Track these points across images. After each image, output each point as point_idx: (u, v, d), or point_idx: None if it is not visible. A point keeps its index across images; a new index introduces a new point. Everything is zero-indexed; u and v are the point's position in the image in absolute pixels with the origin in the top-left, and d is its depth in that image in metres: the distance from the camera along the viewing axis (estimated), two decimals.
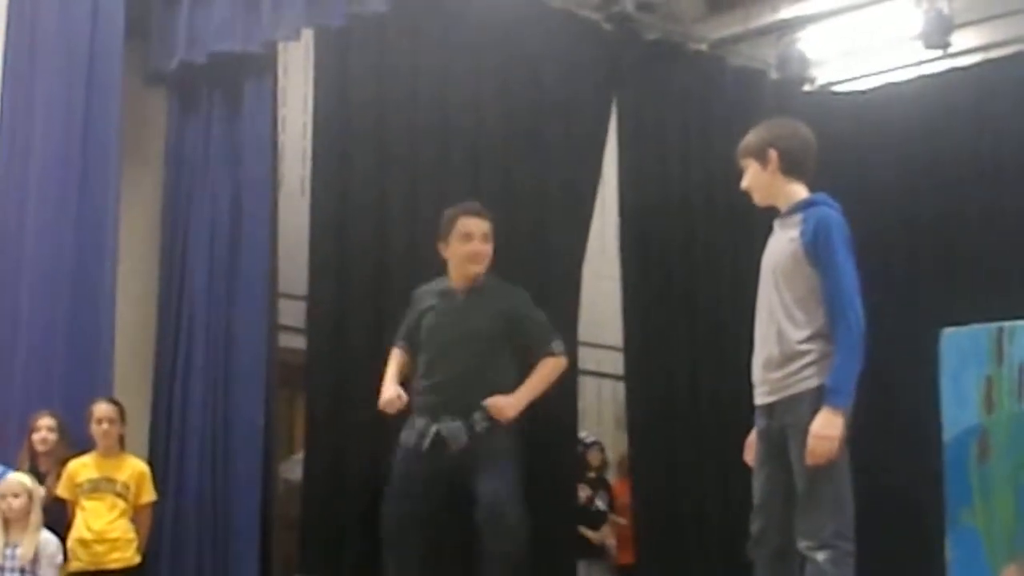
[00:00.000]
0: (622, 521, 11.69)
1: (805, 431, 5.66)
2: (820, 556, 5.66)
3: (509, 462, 7.77)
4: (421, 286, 8.24)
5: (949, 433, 6.32)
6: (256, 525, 9.04)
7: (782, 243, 5.93)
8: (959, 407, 6.29)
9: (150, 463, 8.79)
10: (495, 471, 7.65)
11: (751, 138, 6.13)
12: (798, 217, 5.89)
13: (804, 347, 5.77)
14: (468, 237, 7.77)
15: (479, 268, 7.81)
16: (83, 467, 8.29)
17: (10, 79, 9.22)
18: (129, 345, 9.20)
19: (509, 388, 7.78)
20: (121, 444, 8.48)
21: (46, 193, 8.94)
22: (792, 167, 6.00)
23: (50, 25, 9.17)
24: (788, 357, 5.80)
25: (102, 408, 8.38)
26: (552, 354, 7.89)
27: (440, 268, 9.97)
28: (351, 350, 9.56)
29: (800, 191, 5.98)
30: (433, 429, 7.66)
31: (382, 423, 9.61)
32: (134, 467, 8.46)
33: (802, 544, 5.74)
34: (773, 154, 6.00)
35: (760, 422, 6.03)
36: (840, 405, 5.65)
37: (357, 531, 9.42)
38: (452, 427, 7.64)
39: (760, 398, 5.99)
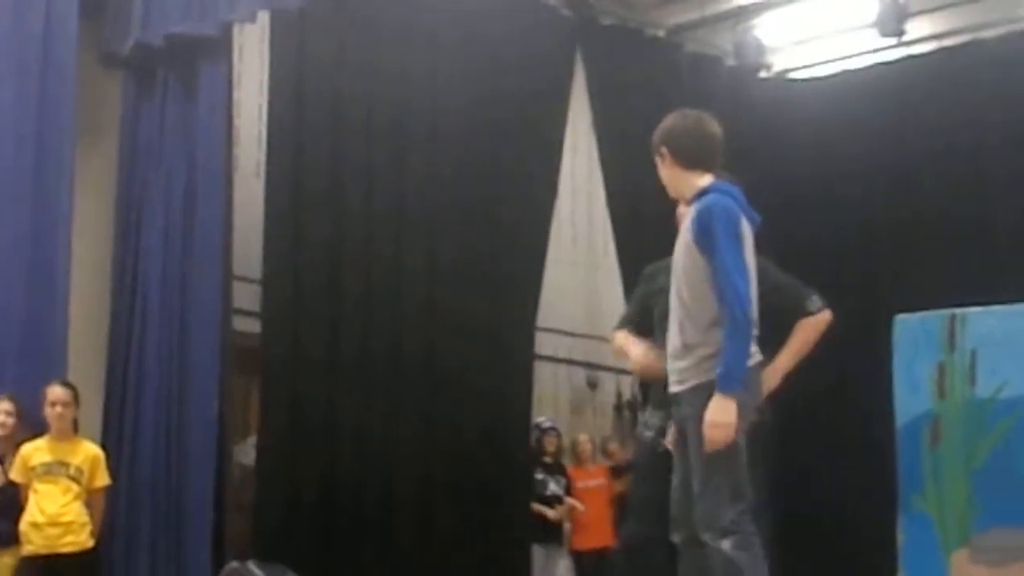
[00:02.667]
0: (579, 506, 11.73)
1: (699, 421, 5.67)
2: (725, 545, 5.66)
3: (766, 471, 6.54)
4: (654, 263, 7.24)
5: (902, 419, 6.33)
6: (210, 508, 9.03)
7: (681, 235, 5.94)
8: (912, 393, 6.29)
9: (103, 446, 8.76)
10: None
11: (654, 135, 6.12)
12: (693, 208, 5.89)
13: (701, 338, 5.76)
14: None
15: None
16: (36, 450, 8.24)
17: None
18: (83, 328, 9.16)
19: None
20: (75, 428, 8.44)
21: (0, 174, 8.89)
22: (689, 161, 5.95)
23: (4, 7, 9.11)
24: (688, 348, 5.81)
25: (56, 391, 8.34)
26: (809, 313, 6.93)
27: (396, 247, 10.01)
28: (306, 333, 9.55)
29: (701, 181, 5.95)
30: (672, 424, 6.50)
31: (337, 407, 9.63)
32: (88, 451, 8.42)
33: (704, 535, 5.74)
34: (665, 151, 6.02)
35: (673, 410, 6.06)
36: (729, 391, 5.63)
37: (311, 515, 9.43)
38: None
39: (671, 387, 6.00)
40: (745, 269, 5.71)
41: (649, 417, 6.99)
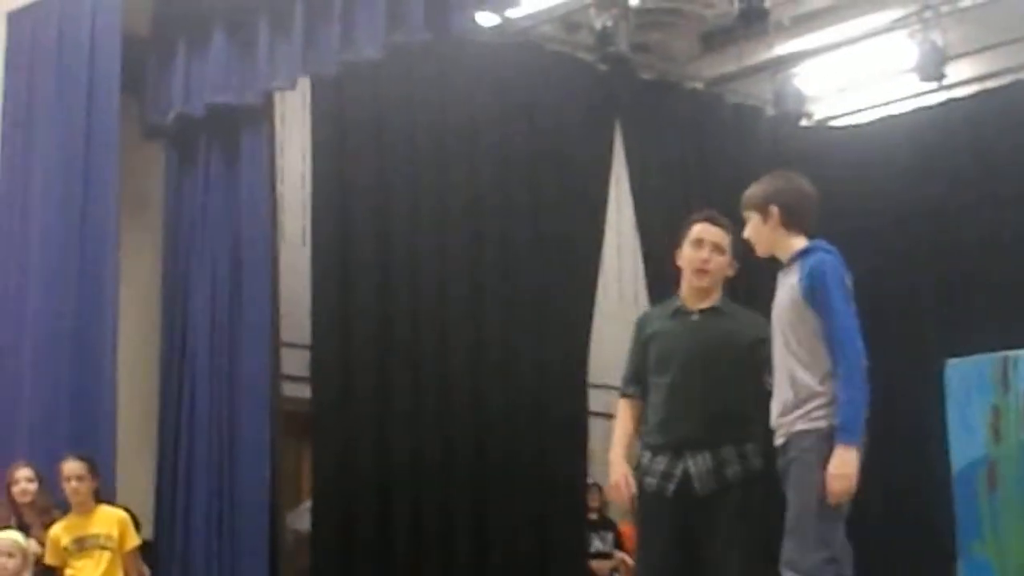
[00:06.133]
0: (628, 560, 11.67)
1: (804, 463, 5.69)
2: None
3: (763, 529, 6.33)
4: (647, 311, 7.24)
5: (957, 464, 6.30)
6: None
7: (784, 292, 6.00)
8: (966, 438, 6.26)
9: (156, 517, 8.73)
10: (742, 543, 6.27)
11: (754, 191, 6.18)
12: (796, 265, 5.95)
13: (817, 388, 5.81)
14: (698, 244, 6.62)
15: (703, 281, 6.62)
16: (64, 531, 8.06)
17: (8, 137, 9.29)
18: (133, 400, 9.18)
19: (756, 418, 6.40)
20: (96, 497, 8.21)
21: (47, 250, 8.97)
22: (792, 221, 6.07)
23: (47, 84, 9.22)
24: (803, 399, 5.85)
25: (70, 466, 8.11)
26: (766, 383, 6.43)
27: (442, 312, 10.01)
28: (357, 397, 9.56)
29: (799, 243, 6.04)
30: (680, 468, 6.51)
31: (390, 471, 9.61)
32: (111, 516, 8.21)
33: (785, 574, 5.74)
34: (774, 209, 6.07)
35: (776, 463, 6.07)
36: (852, 441, 5.69)
37: None
38: (700, 464, 6.50)
39: (776, 441, 6.02)
40: (858, 327, 5.75)
41: (650, 463, 6.60)
